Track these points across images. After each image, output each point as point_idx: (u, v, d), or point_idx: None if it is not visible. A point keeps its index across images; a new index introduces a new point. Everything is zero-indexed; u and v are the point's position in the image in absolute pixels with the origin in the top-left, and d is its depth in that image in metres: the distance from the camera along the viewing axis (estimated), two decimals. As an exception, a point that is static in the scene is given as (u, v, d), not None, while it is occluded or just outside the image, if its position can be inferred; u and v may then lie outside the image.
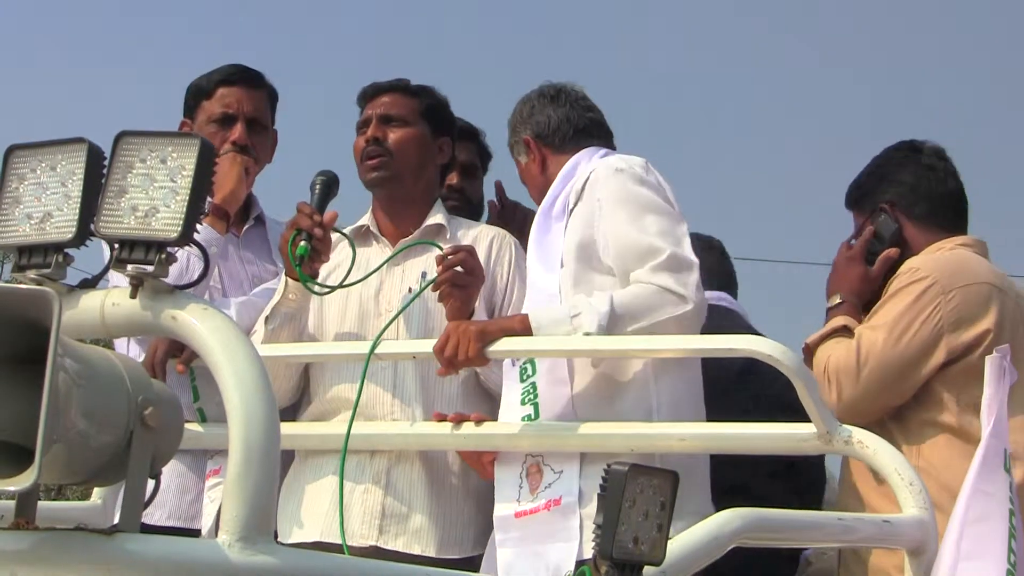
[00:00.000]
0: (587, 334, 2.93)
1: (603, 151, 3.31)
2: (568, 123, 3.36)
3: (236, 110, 3.67)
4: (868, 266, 3.39)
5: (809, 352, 3.30)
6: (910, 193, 3.40)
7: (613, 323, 2.94)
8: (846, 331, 3.28)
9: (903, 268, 3.29)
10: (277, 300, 3.30)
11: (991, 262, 3.40)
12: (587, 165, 3.25)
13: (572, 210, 3.19)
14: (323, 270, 3.31)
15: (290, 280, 3.27)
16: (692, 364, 3.14)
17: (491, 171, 4.08)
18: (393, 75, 3.58)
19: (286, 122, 3.86)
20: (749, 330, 3.62)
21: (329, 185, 3.36)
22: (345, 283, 3.23)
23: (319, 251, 3.22)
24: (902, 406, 3.19)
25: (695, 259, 3.06)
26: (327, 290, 3.26)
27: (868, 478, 3.14)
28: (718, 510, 2.32)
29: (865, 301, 3.36)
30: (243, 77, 3.73)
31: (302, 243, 3.19)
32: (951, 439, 3.13)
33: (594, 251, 3.12)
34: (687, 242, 3.08)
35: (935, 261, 3.29)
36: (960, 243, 3.36)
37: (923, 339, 3.16)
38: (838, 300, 3.40)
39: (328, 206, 3.32)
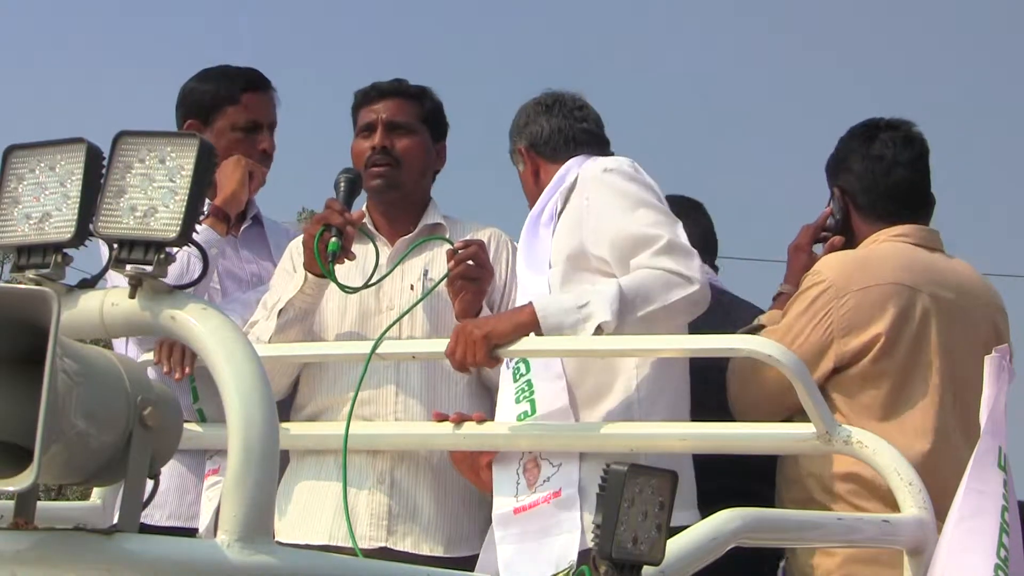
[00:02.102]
0: (603, 323, 2.92)
1: (593, 157, 3.32)
2: (560, 133, 3.40)
3: (263, 118, 3.65)
4: (815, 253, 3.40)
5: None
6: (856, 182, 3.36)
7: (625, 307, 2.93)
8: (761, 330, 3.26)
9: (811, 268, 3.26)
10: (293, 294, 3.28)
11: (944, 253, 3.32)
12: (575, 171, 3.27)
13: (560, 213, 3.21)
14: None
15: (310, 275, 3.26)
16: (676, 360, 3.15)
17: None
18: (382, 74, 3.57)
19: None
20: (744, 306, 3.64)
21: (354, 183, 3.36)
22: (371, 282, 3.23)
23: (346, 249, 3.22)
24: None
25: (693, 248, 3.07)
26: (352, 289, 3.23)
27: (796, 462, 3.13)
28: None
29: None
30: (263, 83, 3.69)
31: (333, 239, 3.18)
32: None
33: (583, 251, 3.13)
34: (683, 232, 3.09)
35: (836, 263, 3.24)
36: (896, 234, 3.29)
37: (812, 346, 3.12)
38: (779, 291, 3.41)
39: (353, 204, 3.33)
